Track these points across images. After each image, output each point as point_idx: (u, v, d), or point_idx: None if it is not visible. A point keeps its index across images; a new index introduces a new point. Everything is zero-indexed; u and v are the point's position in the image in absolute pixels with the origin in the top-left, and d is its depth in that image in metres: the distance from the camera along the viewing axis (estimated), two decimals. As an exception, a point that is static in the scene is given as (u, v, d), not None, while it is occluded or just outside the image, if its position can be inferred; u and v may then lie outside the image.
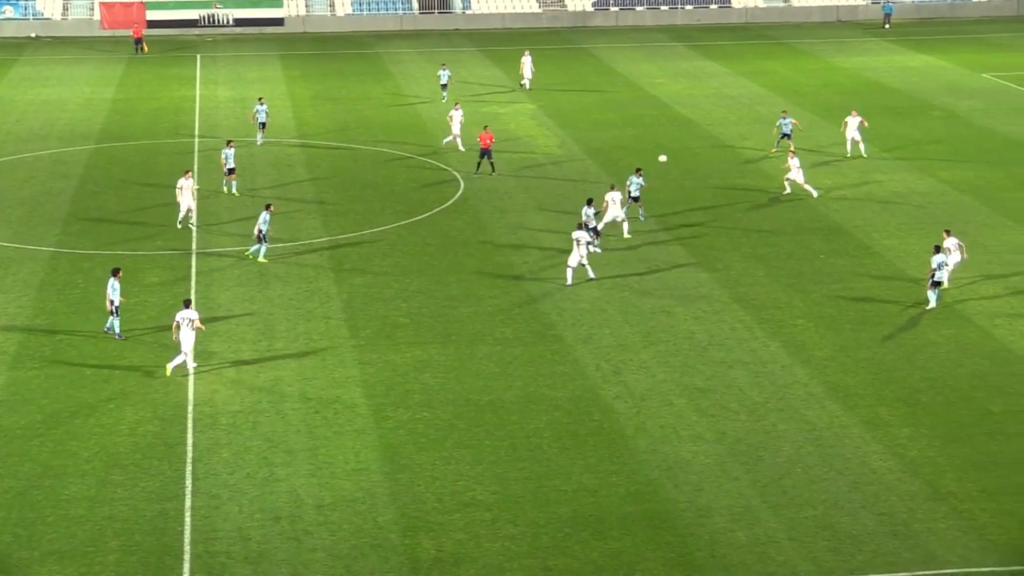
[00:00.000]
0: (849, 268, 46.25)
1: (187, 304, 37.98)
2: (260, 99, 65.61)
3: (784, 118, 60.79)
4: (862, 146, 60.17)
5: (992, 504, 30.36)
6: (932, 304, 42.16)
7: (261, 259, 46.87)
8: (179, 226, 50.21)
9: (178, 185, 50.49)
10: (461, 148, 62.01)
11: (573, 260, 44.39)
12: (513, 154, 62.04)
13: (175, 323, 37.48)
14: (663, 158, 57.07)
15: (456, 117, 62.57)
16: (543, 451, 33.11)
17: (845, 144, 60.62)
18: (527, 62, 77.64)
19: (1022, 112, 69.69)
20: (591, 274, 44.49)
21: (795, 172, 54.34)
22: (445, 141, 63.07)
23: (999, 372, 37.54)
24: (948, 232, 44.50)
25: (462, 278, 45.45)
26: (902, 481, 31.47)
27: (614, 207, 49.09)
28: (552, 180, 57.81)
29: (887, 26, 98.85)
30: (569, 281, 44.30)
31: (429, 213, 52.92)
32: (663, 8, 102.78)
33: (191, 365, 37.73)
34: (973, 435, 33.78)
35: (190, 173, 51.46)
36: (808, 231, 50.33)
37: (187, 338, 37.36)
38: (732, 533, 29.29)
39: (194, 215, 50.55)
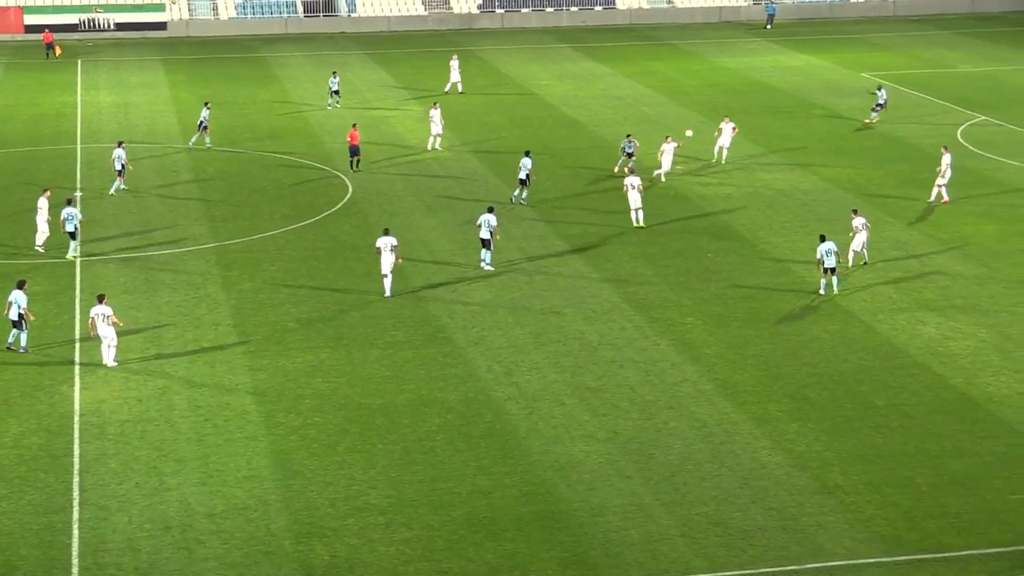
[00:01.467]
0: (736, 266, 46.80)
1: (100, 299, 38.36)
2: (207, 104, 65.12)
3: (629, 141, 59.58)
4: (725, 153, 60.37)
5: (878, 496, 30.91)
6: (822, 290, 43.48)
7: (71, 256, 46.63)
8: (38, 249, 48.26)
9: (38, 204, 48.49)
10: (431, 148, 62.66)
11: (385, 267, 43.65)
12: (401, 157, 61.92)
13: (91, 319, 37.87)
14: (689, 132, 59.33)
15: (436, 116, 63.03)
16: (436, 454, 33.09)
17: (713, 149, 60.72)
18: (455, 66, 77.43)
19: (900, 110, 70.97)
20: (387, 291, 43.59)
21: (667, 156, 56.62)
22: (430, 146, 62.86)
23: (882, 366, 38.22)
24: (856, 211, 46.23)
25: (352, 282, 45.25)
26: (791, 476, 31.92)
27: (632, 193, 50.50)
28: (441, 182, 57.76)
29: (769, 26, 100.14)
30: (387, 292, 43.81)
31: (317, 217, 52.61)
32: (548, 10, 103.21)
33: (109, 361, 37.87)
34: (859, 429, 34.37)
35: (49, 192, 50.06)
36: (695, 230, 50.85)
37: (106, 332, 37.77)
38: (625, 531, 29.50)
39: (44, 238, 48.82)
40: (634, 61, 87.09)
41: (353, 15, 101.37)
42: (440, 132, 63.15)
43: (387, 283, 43.62)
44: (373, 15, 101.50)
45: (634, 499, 30.87)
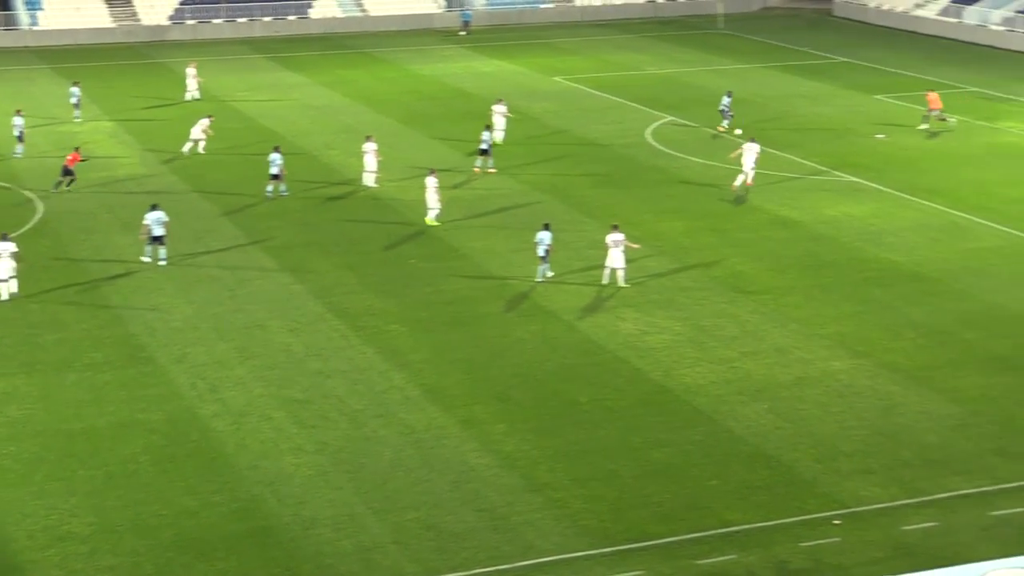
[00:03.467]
0: (439, 271, 47.18)
1: None
2: (18, 111, 64.41)
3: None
4: (502, 135, 64.28)
5: (583, 491, 31.63)
6: (538, 278, 45.36)
7: None
8: None
9: None
10: (185, 151, 63.21)
11: (2, 272, 43.84)
12: (93, 173, 60.08)
13: None
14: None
15: (202, 124, 63.70)
16: (140, 476, 32.27)
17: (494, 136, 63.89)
18: (192, 73, 76.73)
19: (592, 112, 72.86)
20: (3, 295, 43.67)
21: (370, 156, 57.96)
22: (194, 150, 63.48)
23: (584, 363, 39.13)
24: (615, 227, 45.75)
25: (46, 304, 43.71)
26: (499, 476, 32.36)
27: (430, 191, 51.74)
28: (135, 198, 56.24)
29: (464, 32, 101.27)
30: (3, 296, 43.75)
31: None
32: (241, 20, 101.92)
33: None
34: (563, 426, 35.10)
35: None
36: (397, 236, 51.04)
37: None
38: (338, 542, 29.38)
39: None
40: (330, 70, 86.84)
41: (35, 28, 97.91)
42: (200, 138, 63.49)
43: (3, 288, 43.53)
44: (58, 28, 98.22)
45: (345, 509, 30.78)
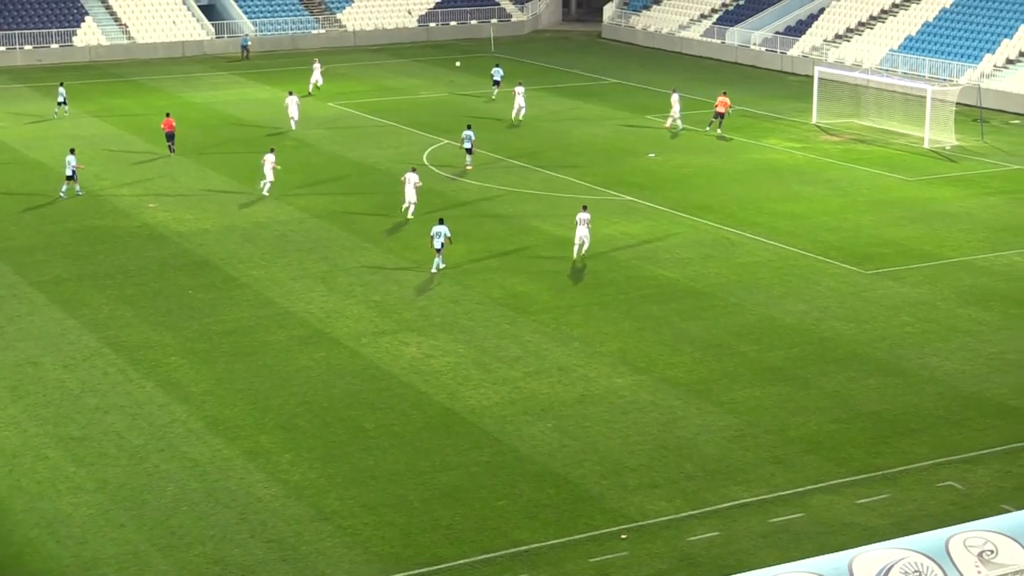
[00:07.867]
0: (218, 301, 46.44)
1: None
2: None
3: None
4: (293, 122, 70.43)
5: (373, 517, 31.47)
6: (433, 270, 49.01)
7: None
8: None
9: None
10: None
11: None
12: None
13: None
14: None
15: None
16: (-91, 525, 30.93)
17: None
18: None
19: (368, 137, 72.73)
20: None
21: None
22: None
23: (369, 389, 38.96)
24: (585, 207, 50.85)
25: None
26: (287, 506, 31.97)
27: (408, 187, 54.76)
28: None
29: (246, 58, 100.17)
30: None
31: None
32: (0, 49, 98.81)
33: None
34: (350, 453, 34.86)
35: None
36: (173, 268, 50.09)
37: None
38: (121, 582, 28.63)
39: None
40: (97, 99, 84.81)
41: None
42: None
43: None
44: None
45: (129, 547, 30.00)
